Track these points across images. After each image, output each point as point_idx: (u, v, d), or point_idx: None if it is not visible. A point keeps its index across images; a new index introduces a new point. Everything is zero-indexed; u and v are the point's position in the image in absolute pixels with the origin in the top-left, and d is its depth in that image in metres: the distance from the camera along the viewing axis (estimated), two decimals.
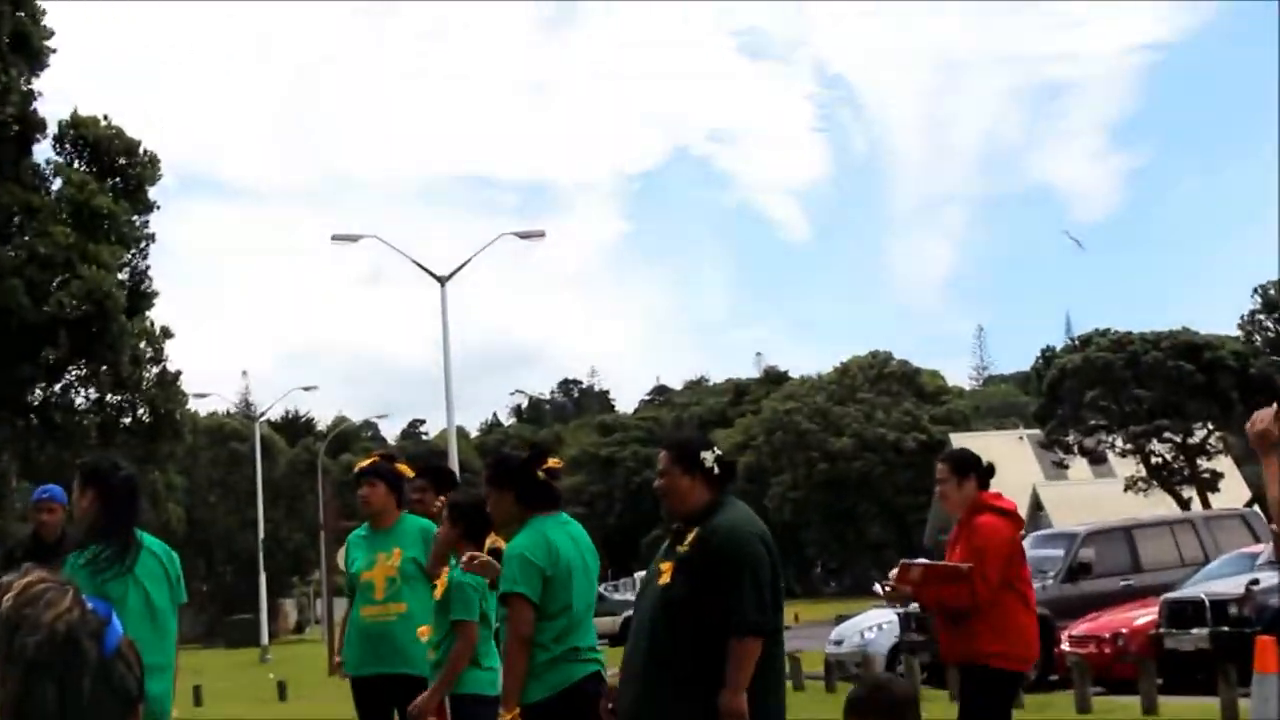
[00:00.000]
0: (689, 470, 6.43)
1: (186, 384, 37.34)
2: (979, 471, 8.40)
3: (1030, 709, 16.46)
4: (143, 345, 34.68)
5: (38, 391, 33.73)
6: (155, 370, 35.26)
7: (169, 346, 38.18)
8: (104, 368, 33.30)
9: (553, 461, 7.30)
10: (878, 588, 9.29)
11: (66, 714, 2.26)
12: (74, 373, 34.06)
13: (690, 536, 6.28)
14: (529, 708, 6.88)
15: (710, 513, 6.34)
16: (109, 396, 34.43)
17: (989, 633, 8.03)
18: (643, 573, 6.76)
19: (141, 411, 34.86)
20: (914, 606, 24.24)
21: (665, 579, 6.27)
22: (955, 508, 8.42)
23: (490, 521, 8.02)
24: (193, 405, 42.24)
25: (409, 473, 9.45)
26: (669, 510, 6.54)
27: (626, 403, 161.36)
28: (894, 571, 8.52)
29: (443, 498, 9.47)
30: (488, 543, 8.04)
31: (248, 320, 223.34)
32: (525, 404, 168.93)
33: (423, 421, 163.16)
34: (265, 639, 55.21)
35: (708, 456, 6.45)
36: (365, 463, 9.43)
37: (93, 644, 2.30)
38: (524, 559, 6.94)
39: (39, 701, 2.25)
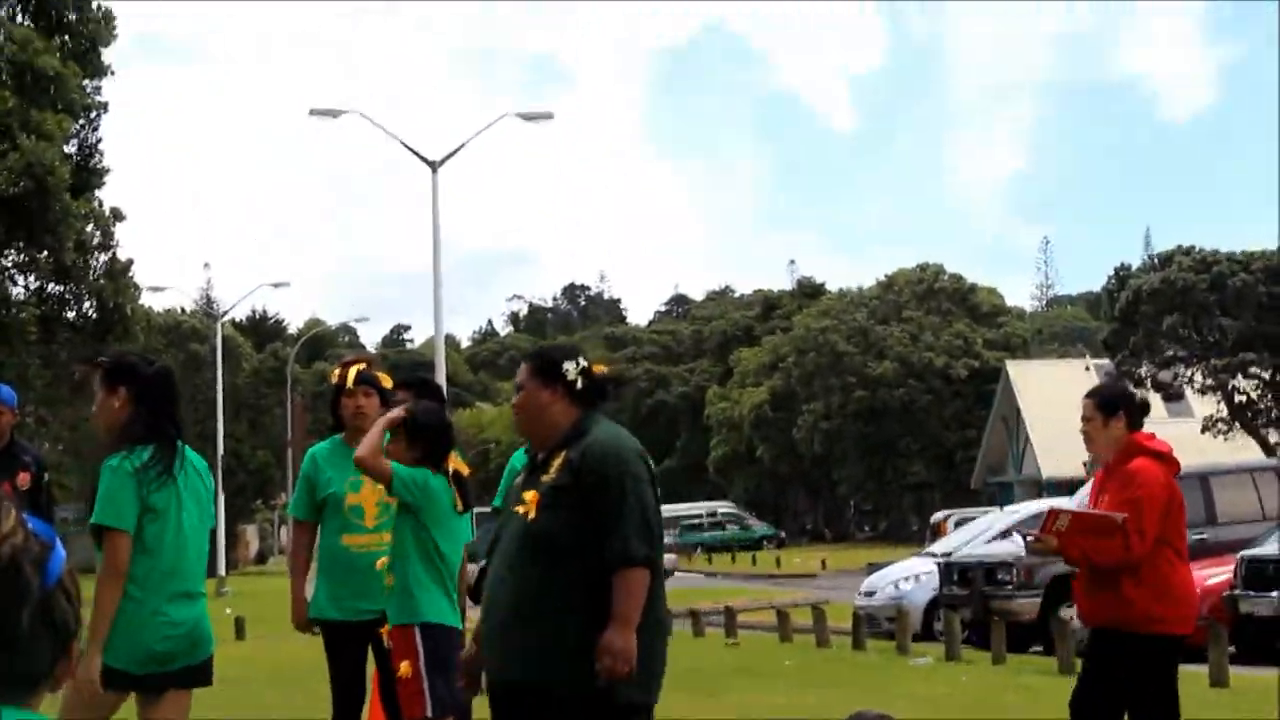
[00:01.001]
0: (549, 383, 6.35)
1: (140, 275, 37.33)
2: (1130, 409, 8.37)
3: None
4: (89, 229, 34.44)
5: None
6: (104, 258, 34.99)
7: (120, 231, 37.98)
8: (44, 253, 33.11)
9: (596, 365, 7.28)
10: (1017, 536, 9.31)
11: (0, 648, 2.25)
12: (9, 258, 33.93)
13: (557, 462, 6.19)
14: None
15: (577, 434, 6.24)
16: (50, 287, 34.29)
17: (1147, 594, 8.05)
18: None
19: (87, 305, 34.71)
20: (959, 556, 24.38)
21: (530, 513, 6.17)
22: (1102, 450, 8.41)
23: (451, 446, 8.18)
24: (146, 300, 42.29)
25: (387, 383, 9.42)
26: (526, 431, 6.50)
27: (640, 314, 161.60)
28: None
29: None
30: (450, 466, 8.12)
31: (211, 206, 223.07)
32: (524, 311, 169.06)
33: (407, 328, 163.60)
34: (223, 569, 55.51)
35: (570, 368, 6.36)
36: (357, 368, 9.36)
37: (35, 572, 2.29)
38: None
39: None
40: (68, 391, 34.92)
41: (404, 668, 7.85)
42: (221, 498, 58.65)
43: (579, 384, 6.34)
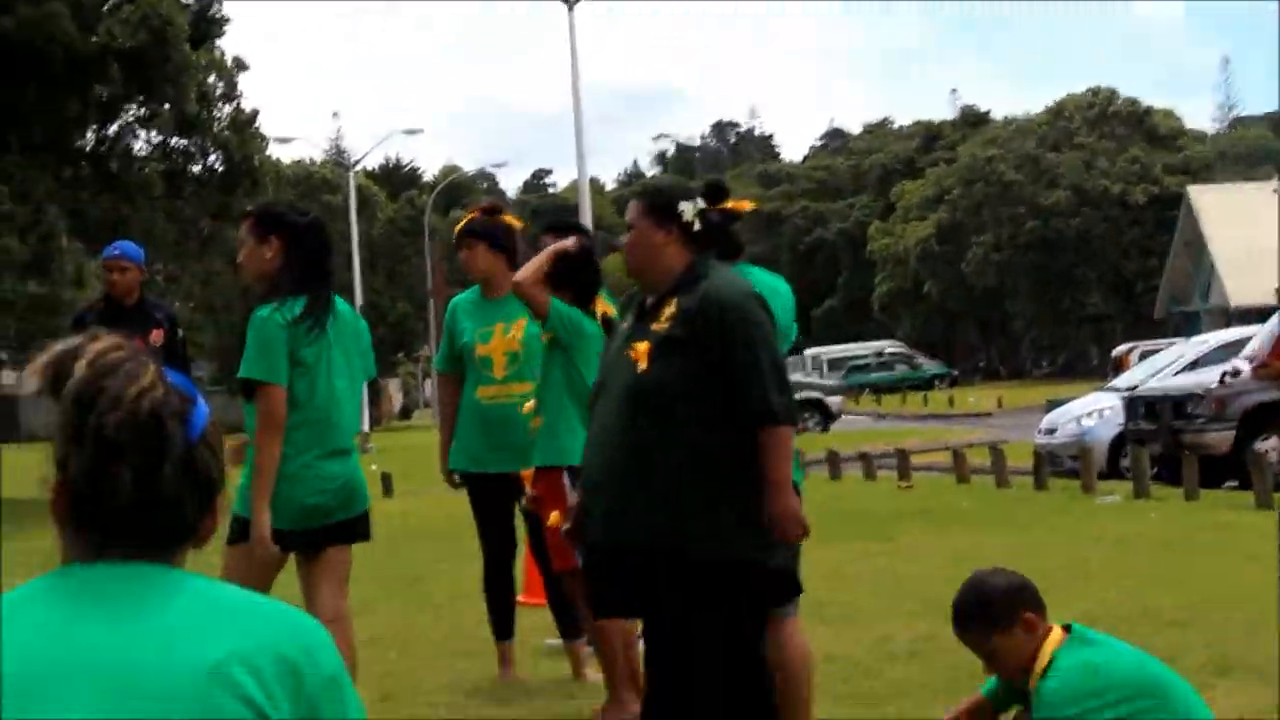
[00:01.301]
0: (663, 223, 6.16)
1: (266, 126, 37.48)
2: None
3: None
4: (211, 80, 34.55)
5: (89, 135, 33.91)
6: (228, 109, 35.11)
7: (243, 81, 38.18)
8: (166, 106, 33.24)
9: (734, 203, 7.03)
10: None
11: (142, 504, 2.31)
12: (130, 113, 34.15)
13: (668, 310, 5.99)
14: None
15: (690, 280, 6.04)
16: (173, 140, 34.44)
17: None
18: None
19: (213, 158, 34.85)
20: (1146, 389, 24.02)
21: (642, 365, 5.96)
22: None
23: (599, 284, 8.18)
24: (274, 151, 42.53)
25: (516, 224, 9.37)
26: (636, 274, 6.28)
27: (794, 150, 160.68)
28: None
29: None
30: (599, 309, 8.09)
31: (338, 51, 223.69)
32: (671, 150, 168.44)
33: (549, 172, 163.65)
34: (366, 425, 56.09)
35: (686, 208, 6.18)
36: (463, 221, 9.38)
37: (177, 426, 2.34)
38: None
39: (112, 488, 2.30)
40: (196, 247, 35.22)
41: (553, 517, 7.83)
42: (371, 354, 58.91)
43: (695, 225, 6.16)
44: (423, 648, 10.58)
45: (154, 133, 34.59)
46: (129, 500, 2.31)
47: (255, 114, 35.74)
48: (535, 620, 10.11)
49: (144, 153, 34.49)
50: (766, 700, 5.96)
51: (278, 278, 7.12)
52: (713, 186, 7.12)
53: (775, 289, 7.09)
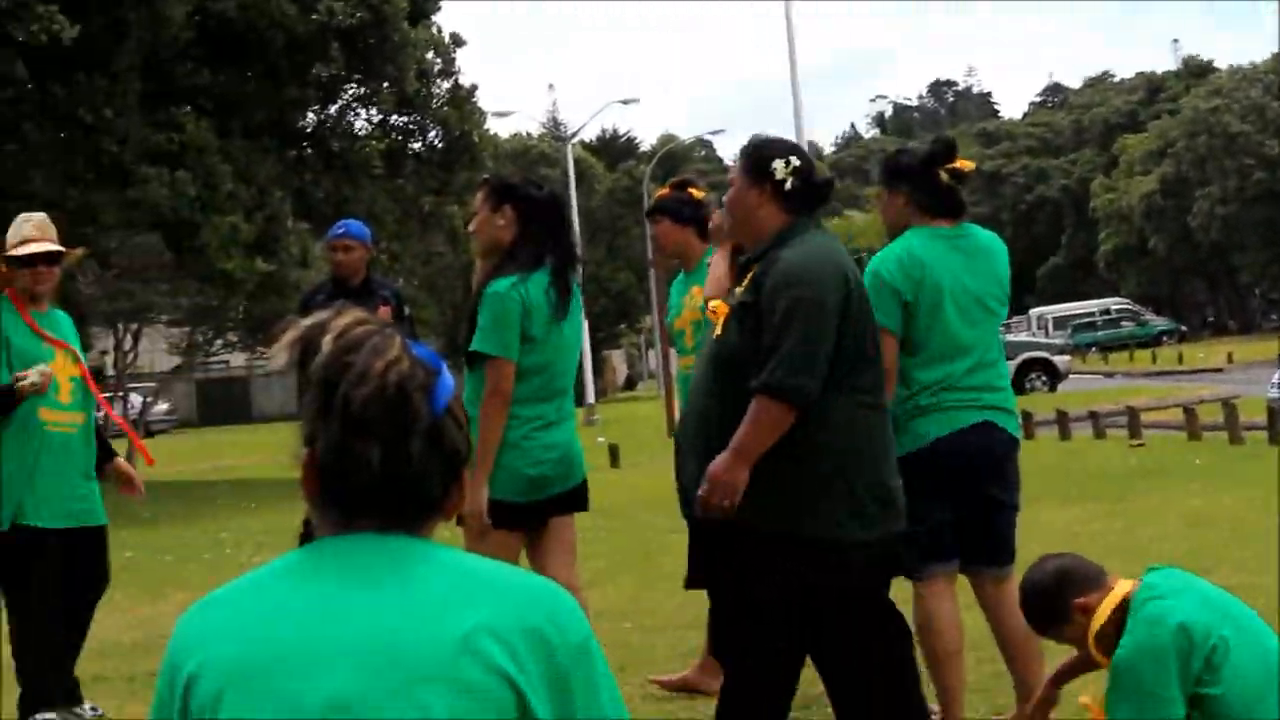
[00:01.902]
0: (758, 181, 5.92)
1: (484, 101, 37.50)
2: None
3: None
4: (430, 56, 34.69)
5: (310, 116, 34.27)
6: (446, 85, 35.24)
7: (461, 57, 38.28)
8: (385, 85, 33.43)
9: (961, 163, 6.95)
10: None
11: (390, 478, 2.34)
12: (351, 93, 34.45)
13: (750, 275, 5.79)
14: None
15: (776, 244, 5.82)
16: (393, 118, 34.68)
17: None
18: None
19: (432, 135, 35.02)
20: None
21: (718, 330, 5.83)
22: None
23: None
24: (492, 125, 42.70)
25: (699, 195, 9.27)
26: (735, 233, 6.12)
27: (1013, 107, 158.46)
28: None
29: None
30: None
31: (552, 23, 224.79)
32: (889, 112, 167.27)
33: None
34: (592, 398, 56.37)
35: (779, 166, 5.89)
36: (659, 196, 9.32)
37: (423, 399, 2.35)
38: (877, 278, 6.80)
39: (360, 462, 2.33)
40: (417, 225, 35.45)
41: None
42: (585, 325, 59.47)
43: (788, 184, 5.88)
44: (656, 619, 10.50)
45: (374, 111, 34.81)
46: (377, 475, 2.33)
47: (474, 89, 35.79)
48: None
49: (364, 132, 34.77)
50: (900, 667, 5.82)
51: (512, 249, 7.11)
52: (943, 144, 6.98)
53: (990, 250, 6.99)
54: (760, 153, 5.97)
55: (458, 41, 35.85)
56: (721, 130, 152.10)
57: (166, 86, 31.76)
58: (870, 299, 6.23)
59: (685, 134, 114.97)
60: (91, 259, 33.62)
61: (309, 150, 34.12)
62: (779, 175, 5.86)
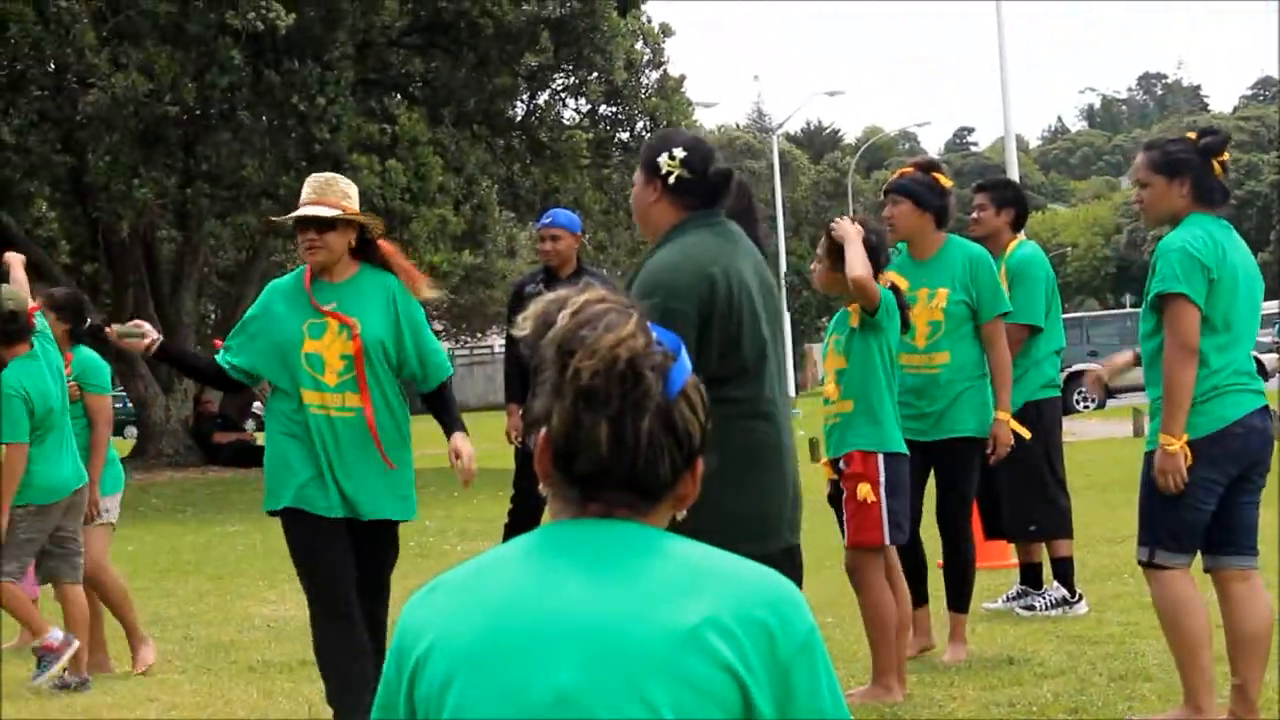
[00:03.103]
0: (650, 178, 5.64)
1: (690, 92, 37.24)
2: None
3: None
4: (638, 46, 34.55)
5: (519, 106, 34.27)
6: (654, 76, 35.08)
7: (669, 47, 37.98)
8: (594, 75, 33.33)
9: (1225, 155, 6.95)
10: None
11: (619, 456, 2.31)
12: (559, 82, 34.42)
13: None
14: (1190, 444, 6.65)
15: (662, 242, 5.58)
16: (601, 108, 34.57)
17: None
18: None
19: (640, 125, 34.88)
20: None
21: None
22: None
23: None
24: (698, 116, 42.33)
25: (946, 183, 8.97)
26: (643, 232, 5.83)
27: (1223, 100, 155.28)
28: None
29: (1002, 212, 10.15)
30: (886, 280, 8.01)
31: (756, 13, 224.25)
32: (1097, 104, 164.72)
33: (970, 130, 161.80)
34: (793, 391, 55.90)
35: (664, 160, 5.57)
36: (893, 176, 9.02)
37: (657, 379, 2.32)
38: (1186, 252, 6.75)
39: (587, 438, 2.30)
40: (624, 215, 35.27)
41: (865, 490, 7.87)
42: (787, 317, 59.01)
43: (672, 179, 5.56)
44: (852, 613, 9.99)
45: (582, 101, 34.74)
46: (606, 453, 2.30)
47: (681, 80, 35.56)
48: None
49: (572, 122, 34.65)
50: None
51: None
52: (1219, 136, 7.10)
53: (1243, 243, 7.00)
54: (651, 147, 5.72)
55: (666, 31, 35.61)
56: (927, 123, 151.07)
57: (379, 75, 31.85)
58: (1177, 269, 6.45)
59: (890, 126, 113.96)
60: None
61: (517, 140, 34.03)
62: (664, 169, 5.56)
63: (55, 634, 9.15)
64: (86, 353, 9.84)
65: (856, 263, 7.77)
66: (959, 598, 8.96)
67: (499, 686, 2.25)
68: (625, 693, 2.21)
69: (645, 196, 5.65)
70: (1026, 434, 9.17)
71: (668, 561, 2.32)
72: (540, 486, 2.41)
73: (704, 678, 2.21)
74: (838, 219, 8.19)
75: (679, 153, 5.57)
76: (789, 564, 5.46)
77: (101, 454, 9.68)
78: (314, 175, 7.69)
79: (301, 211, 7.36)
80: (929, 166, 9.03)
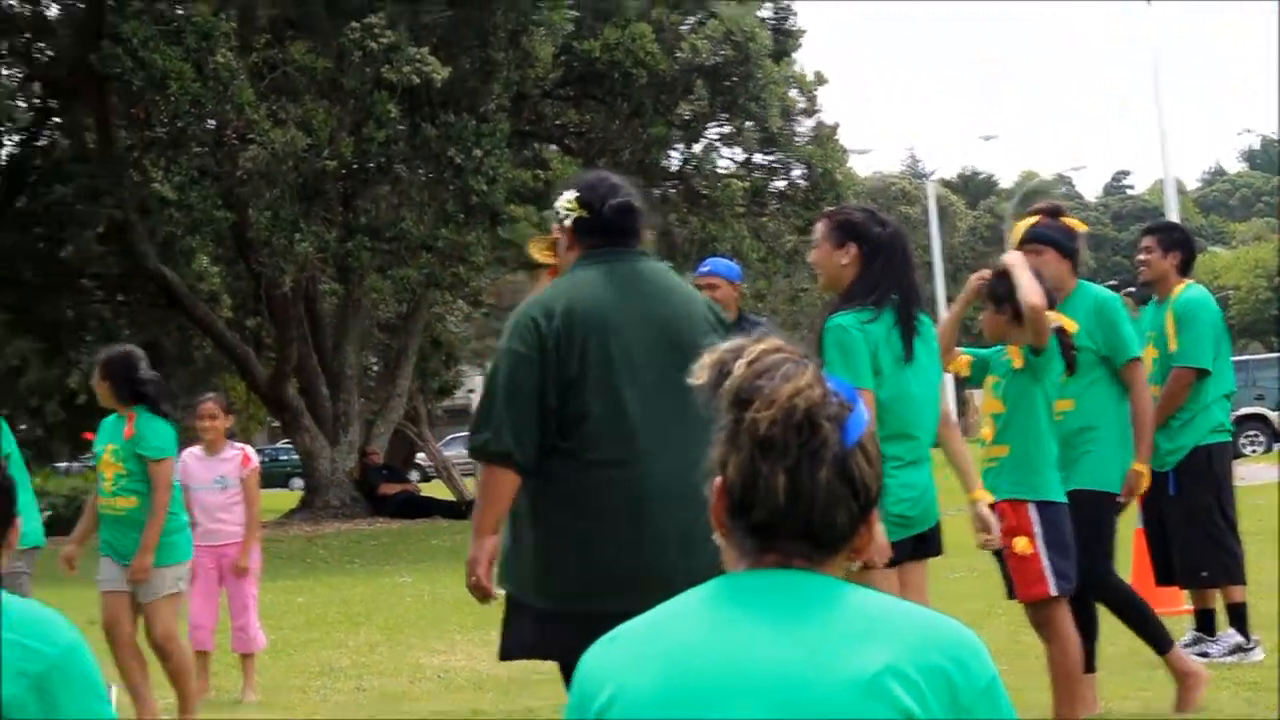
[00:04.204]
0: (560, 226, 5.69)
1: (844, 139, 37.15)
2: None
3: None
4: (792, 94, 34.60)
5: (674, 155, 34.38)
6: (809, 124, 35.11)
7: (822, 95, 37.95)
8: (749, 123, 33.43)
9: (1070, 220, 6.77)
10: None
11: (796, 507, 2.30)
12: (715, 131, 34.49)
13: None
14: None
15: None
16: (756, 156, 34.61)
17: None
18: None
19: (796, 173, 34.92)
20: None
21: None
22: None
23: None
24: (853, 163, 42.20)
25: (1080, 227, 8.83)
26: None
27: None
28: None
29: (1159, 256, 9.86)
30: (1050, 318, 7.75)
31: (908, 61, 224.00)
32: (1256, 145, 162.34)
33: (1127, 173, 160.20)
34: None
35: (560, 206, 5.63)
36: (1026, 224, 8.76)
37: (834, 429, 2.31)
38: None
39: (764, 488, 2.29)
40: (782, 263, 35.23)
41: (1022, 544, 7.64)
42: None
43: (568, 221, 5.61)
44: (1033, 661, 9.86)
45: (737, 150, 34.78)
46: (782, 503, 2.29)
47: (835, 127, 35.51)
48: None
49: (728, 170, 34.70)
50: None
51: (854, 287, 6.85)
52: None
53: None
54: (560, 194, 5.73)
55: (820, 80, 35.60)
56: (1083, 166, 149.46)
57: (534, 125, 32.08)
58: None
59: (1045, 170, 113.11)
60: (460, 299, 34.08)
61: (673, 189, 34.14)
62: (560, 215, 5.62)
63: None
64: (146, 415, 9.45)
65: (1032, 291, 7.54)
66: (1154, 639, 8.61)
67: None
68: None
69: (561, 245, 5.69)
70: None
71: (846, 610, 2.31)
72: (714, 535, 2.42)
73: None
74: (1002, 259, 8.06)
75: (572, 193, 5.61)
76: None
77: (157, 521, 9.28)
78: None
79: None
80: (1055, 212, 8.86)
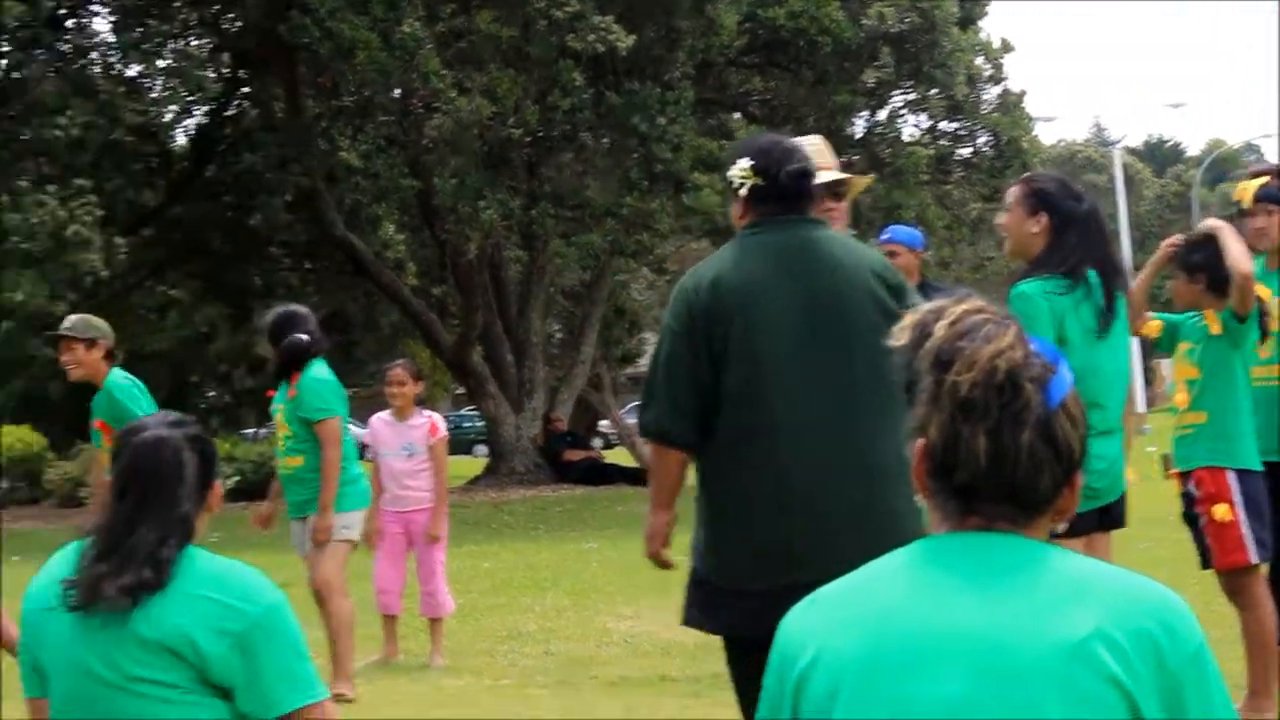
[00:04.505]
0: (733, 195, 5.52)
1: (1030, 107, 36.73)
2: None
3: None
4: (979, 62, 34.31)
5: (858, 123, 34.18)
6: (995, 91, 34.82)
7: (1008, 62, 37.54)
8: (934, 90, 33.20)
9: None
10: None
11: (998, 470, 2.28)
12: (899, 98, 34.31)
13: None
14: None
15: None
16: (942, 124, 34.39)
17: None
18: None
19: (981, 140, 34.62)
20: None
21: None
22: None
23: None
24: (1038, 130, 41.69)
25: None
26: None
27: None
28: None
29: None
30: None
31: (1093, 27, 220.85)
32: None
33: None
34: (1143, 407, 54.62)
35: (733, 174, 5.43)
36: (1258, 183, 8.39)
37: (1036, 391, 2.29)
38: None
39: (966, 450, 2.28)
40: (967, 231, 34.95)
41: (1222, 511, 7.54)
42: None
43: (744, 190, 5.41)
44: (1225, 631, 9.57)
45: (922, 117, 34.55)
46: (984, 465, 2.27)
47: (1022, 95, 35.15)
48: None
49: (912, 138, 34.45)
50: None
51: (1043, 256, 6.69)
52: None
53: None
54: (731, 159, 5.58)
55: (1007, 47, 35.24)
56: (1270, 134, 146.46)
57: (718, 93, 31.96)
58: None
59: (1233, 138, 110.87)
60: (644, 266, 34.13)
61: (857, 156, 33.93)
62: (735, 184, 5.45)
63: None
64: (310, 374, 9.42)
65: (1242, 258, 7.41)
66: None
67: (886, 699, 2.22)
68: (1014, 706, 2.17)
69: (734, 214, 5.55)
70: None
71: (1051, 574, 2.28)
72: (916, 498, 2.39)
73: (1092, 691, 2.16)
74: (1208, 223, 7.86)
75: (746, 162, 5.41)
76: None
77: (331, 478, 9.28)
78: (809, 137, 7.20)
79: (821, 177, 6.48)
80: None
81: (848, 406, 5.19)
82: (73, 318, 9.84)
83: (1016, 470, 2.28)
